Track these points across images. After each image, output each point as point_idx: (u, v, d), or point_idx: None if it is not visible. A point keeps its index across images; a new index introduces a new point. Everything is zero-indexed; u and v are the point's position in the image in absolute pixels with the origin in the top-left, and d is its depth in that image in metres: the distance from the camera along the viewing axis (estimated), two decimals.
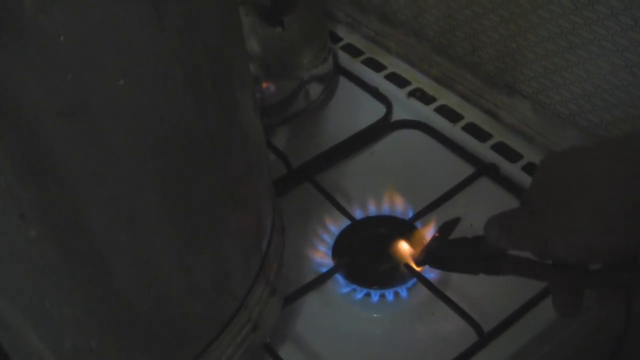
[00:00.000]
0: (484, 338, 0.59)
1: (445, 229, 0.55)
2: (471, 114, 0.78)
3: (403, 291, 0.63)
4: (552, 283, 0.49)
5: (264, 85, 0.77)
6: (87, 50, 0.34)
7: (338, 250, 0.66)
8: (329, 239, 0.67)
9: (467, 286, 0.63)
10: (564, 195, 0.43)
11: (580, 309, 0.48)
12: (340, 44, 0.89)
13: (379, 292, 0.63)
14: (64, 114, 0.35)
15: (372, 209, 0.69)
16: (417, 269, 0.62)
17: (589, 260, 0.46)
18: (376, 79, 0.83)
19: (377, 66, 0.85)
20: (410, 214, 0.68)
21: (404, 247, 0.62)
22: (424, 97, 0.81)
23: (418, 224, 0.67)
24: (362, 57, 0.87)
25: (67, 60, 0.33)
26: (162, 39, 0.39)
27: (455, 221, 0.56)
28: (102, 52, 0.35)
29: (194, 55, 0.42)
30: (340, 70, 0.85)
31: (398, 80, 0.83)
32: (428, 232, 0.64)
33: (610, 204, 0.41)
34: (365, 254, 0.65)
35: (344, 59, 0.87)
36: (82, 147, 0.37)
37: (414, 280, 0.63)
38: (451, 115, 0.79)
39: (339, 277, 0.64)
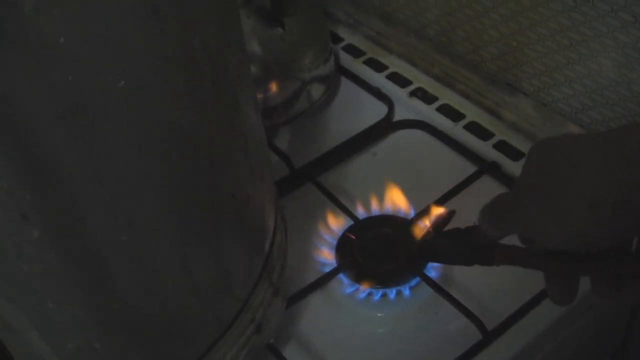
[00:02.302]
0: (488, 336, 0.59)
1: (438, 223, 0.55)
2: (473, 113, 0.78)
3: (406, 290, 0.63)
4: (546, 272, 0.49)
5: (266, 86, 0.77)
6: (87, 53, 0.34)
7: (341, 250, 0.66)
8: (332, 239, 0.67)
9: (471, 284, 0.64)
10: (554, 184, 0.43)
11: (574, 296, 0.48)
12: (342, 44, 0.89)
13: (382, 291, 0.63)
14: (64, 116, 0.35)
15: (374, 209, 0.69)
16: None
17: (576, 248, 0.45)
18: (378, 79, 0.83)
19: (378, 66, 0.85)
20: (413, 214, 0.68)
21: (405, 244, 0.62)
22: (426, 97, 0.81)
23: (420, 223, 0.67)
24: (364, 58, 0.87)
25: (67, 62, 0.33)
26: (162, 41, 0.39)
27: (450, 214, 0.56)
28: (102, 54, 0.35)
29: (194, 57, 0.42)
30: (341, 71, 0.85)
31: (399, 80, 0.83)
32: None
33: (603, 197, 0.41)
34: (368, 254, 0.65)
35: (346, 59, 0.87)
36: (83, 149, 0.37)
37: (418, 279, 0.63)
38: (453, 114, 0.79)
39: (342, 277, 0.64)
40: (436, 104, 0.80)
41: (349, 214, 0.68)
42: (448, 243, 0.53)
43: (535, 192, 0.44)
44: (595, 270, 0.47)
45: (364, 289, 0.63)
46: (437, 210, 0.58)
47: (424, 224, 0.63)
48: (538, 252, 0.48)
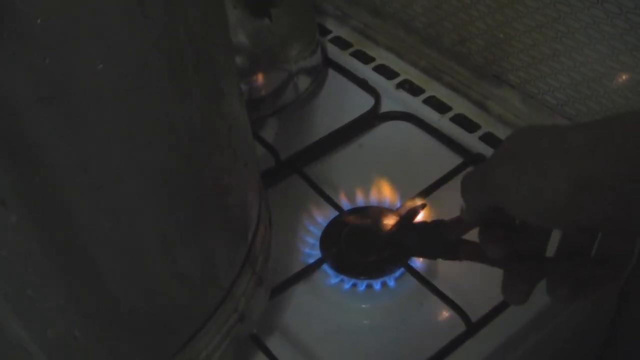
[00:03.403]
0: (472, 327, 0.59)
1: (407, 215, 0.55)
2: (459, 105, 0.78)
3: (391, 281, 0.63)
4: (506, 270, 0.49)
5: (253, 77, 0.77)
6: (64, 34, 0.34)
7: (326, 241, 0.66)
8: (317, 230, 0.67)
9: (455, 276, 0.64)
10: (541, 163, 0.42)
11: (528, 297, 0.48)
12: (329, 36, 0.89)
13: (366, 282, 0.63)
14: (42, 99, 0.34)
15: (360, 200, 0.69)
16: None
17: (551, 225, 0.45)
18: (365, 71, 0.83)
19: (365, 58, 0.85)
20: (398, 205, 0.68)
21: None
22: (413, 89, 0.81)
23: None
24: (351, 50, 0.87)
25: (44, 43, 0.33)
26: (143, 25, 0.38)
27: (421, 207, 0.56)
28: (80, 36, 0.34)
29: (176, 42, 0.42)
30: (329, 63, 0.85)
31: (386, 72, 0.83)
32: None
33: (592, 182, 0.40)
34: (353, 245, 0.65)
35: (333, 51, 0.87)
36: (62, 134, 0.37)
37: (402, 270, 0.63)
38: (439, 106, 0.79)
39: (326, 268, 0.64)
40: (423, 96, 0.80)
41: (334, 205, 0.68)
42: (414, 236, 0.54)
43: (517, 167, 0.43)
44: (555, 272, 0.47)
45: (348, 280, 0.63)
46: (411, 204, 0.58)
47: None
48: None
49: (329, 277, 0.64)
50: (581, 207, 0.41)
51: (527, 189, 0.42)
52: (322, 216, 0.68)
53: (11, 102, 0.34)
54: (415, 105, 0.79)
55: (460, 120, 0.77)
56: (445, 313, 0.61)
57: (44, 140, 0.36)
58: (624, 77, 0.63)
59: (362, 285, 0.63)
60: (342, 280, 0.64)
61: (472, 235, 0.50)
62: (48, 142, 0.36)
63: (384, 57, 0.85)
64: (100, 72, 0.36)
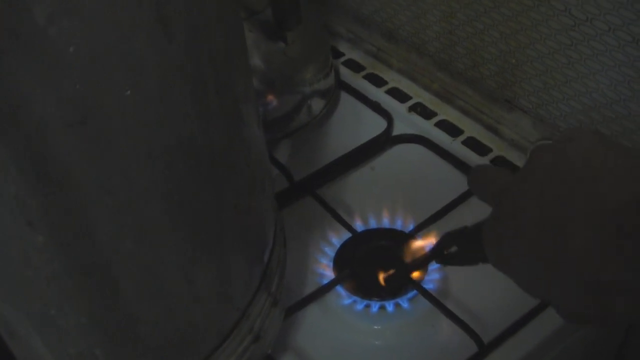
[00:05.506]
0: (484, 349, 0.60)
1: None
2: (471, 129, 0.79)
3: (404, 303, 0.64)
4: None
5: (267, 99, 0.78)
6: (95, 61, 0.35)
7: (339, 262, 0.66)
8: (330, 251, 0.68)
9: (467, 297, 0.64)
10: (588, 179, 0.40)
11: None
12: (342, 59, 0.90)
13: (379, 303, 0.64)
14: (72, 124, 0.35)
15: (372, 222, 0.70)
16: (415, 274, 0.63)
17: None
18: (377, 94, 0.84)
19: (378, 81, 0.86)
20: (411, 227, 0.68)
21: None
22: (425, 112, 0.82)
23: (418, 236, 0.68)
24: (364, 73, 0.88)
25: (76, 70, 0.34)
26: (168, 51, 0.39)
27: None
28: (109, 63, 0.35)
29: (200, 67, 0.43)
30: (342, 85, 0.86)
31: (399, 95, 0.84)
32: (428, 245, 0.65)
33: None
34: (366, 266, 0.66)
35: (346, 74, 0.88)
36: (89, 157, 0.38)
37: (415, 291, 0.64)
38: (451, 129, 0.80)
39: (340, 289, 0.65)
40: (435, 120, 0.81)
41: (348, 226, 0.69)
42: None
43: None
44: None
45: (361, 300, 0.64)
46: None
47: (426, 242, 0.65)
48: None
49: (342, 297, 0.65)
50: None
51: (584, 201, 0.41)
52: (336, 237, 0.69)
53: (42, 127, 0.35)
54: (427, 128, 0.80)
55: (472, 144, 0.78)
56: (458, 334, 0.61)
57: (70, 163, 0.37)
58: (635, 103, 0.64)
59: (375, 306, 0.64)
60: (355, 301, 0.64)
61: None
62: (74, 165, 0.37)
63: (396, 80, 0.86)
64: (127, 97, 0.37)
